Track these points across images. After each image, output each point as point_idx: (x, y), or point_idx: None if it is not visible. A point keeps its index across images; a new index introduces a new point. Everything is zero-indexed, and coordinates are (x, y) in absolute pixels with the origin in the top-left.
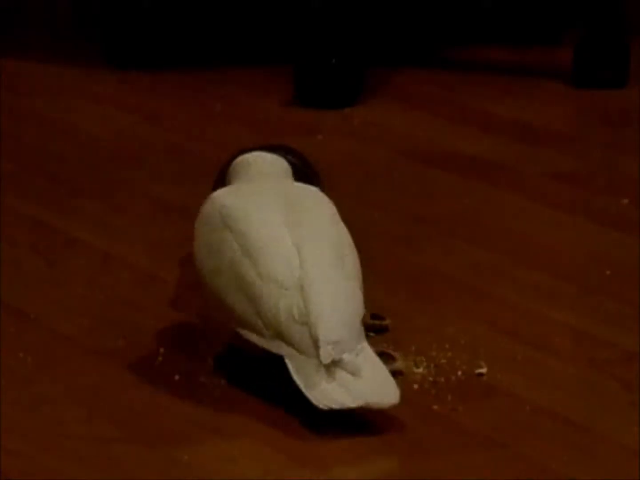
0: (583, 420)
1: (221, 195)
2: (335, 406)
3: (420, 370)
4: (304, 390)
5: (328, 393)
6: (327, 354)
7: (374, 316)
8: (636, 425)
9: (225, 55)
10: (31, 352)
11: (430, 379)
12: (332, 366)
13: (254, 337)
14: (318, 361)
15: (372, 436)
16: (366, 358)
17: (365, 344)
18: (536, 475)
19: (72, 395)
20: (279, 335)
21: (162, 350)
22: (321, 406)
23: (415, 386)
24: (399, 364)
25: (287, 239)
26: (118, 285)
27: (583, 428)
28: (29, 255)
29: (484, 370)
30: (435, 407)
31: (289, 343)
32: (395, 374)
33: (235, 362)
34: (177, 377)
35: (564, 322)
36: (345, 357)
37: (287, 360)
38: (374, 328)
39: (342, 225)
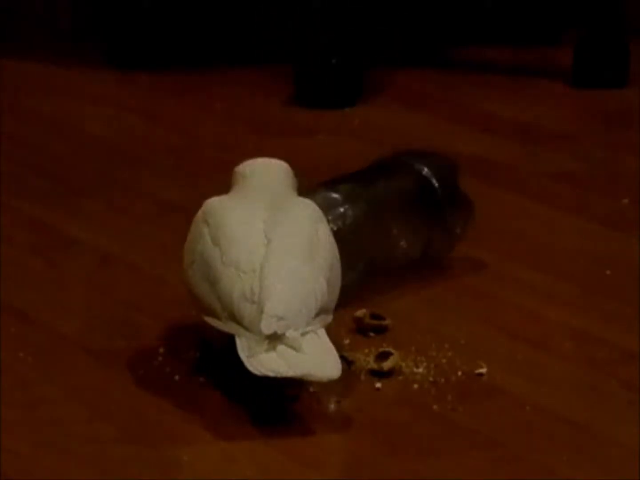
0: (583, 420)
1: (210, 199)
2: (270, 373)
3: (420, 370)
4: (244, 360)
5: (266, 361)
6: (269, 324)
7: (373, 316)
8: (636, 425)
9: (225, 55)
10: (31, 352)
11: (430, 379)
12: (276, 341)
13: (215, 322)
14: (262, 335)
15: (372, 436)
16: (314, 338)
17: (321, 331)
18: (536, 475)
19: (72, 395)
20: (232, 315)
21: (162, 350)
22: (256, 372)
23: (415, 386)
24: (396, 359)
25: (260, 232)
26: (118, 285)
27: (583, 428)
28: (29, 255)
29: (484, 370)
30: (435, 407)
31: (239, 322)
32: (393, 372)
33: (206, 357)
34: (177, 377)
35: (564, 322)
36: (289, 333)
37: (236, 339)
38: (374, 328)
39: (326, 230)
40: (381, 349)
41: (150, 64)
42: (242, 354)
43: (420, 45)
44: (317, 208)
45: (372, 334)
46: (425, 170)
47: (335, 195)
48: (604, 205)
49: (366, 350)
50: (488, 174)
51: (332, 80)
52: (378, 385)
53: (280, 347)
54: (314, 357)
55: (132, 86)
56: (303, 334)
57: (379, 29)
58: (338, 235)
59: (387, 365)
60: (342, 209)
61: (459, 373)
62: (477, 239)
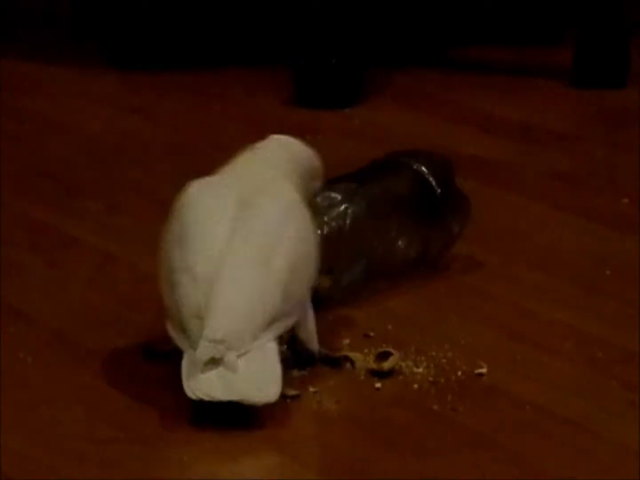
0: (583, 420)
1: (193, 184)
2: (205, 397)
3: (420, 370)
4: (183, 379)
5: (202, 384)
6: (204, 351)
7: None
8: (636, 425)
9: (225, 55)
10: (31, 352)
11: (430, 379)
12: (214, 363)
13: (170, 331)
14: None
15: (372, 436)
16: (256, 357)
17: (268, 344)
18: (536, 475)
19: (72, 395)
20: (182, 327)
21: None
22: (192, 396)
23: (415, 386)
24: (396, 359)
25: (222, 233)
26: (118, 285)
27: (583, 428)
28: (29, 255)
29: (484, 370)
30: (435, 407)
31: (187, 336)
32: (393, 372)
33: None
34: (177, 377)
35: (564, 322)
36: (227, 356)
37: (184, 353)
38: (327, 359)
39: (296, 225)
40: (381, 349)
41: (150, 64)
42: (183, 370)
43: (420, 45)
44: (291, 199)
45: (372, 334)
46: (423, 169)
47: (334, 195)
48: (604, 205)
49: (366, 350)
50: (488, 174)
51: (332, 80)
52: (378, 385)
53: (219, 369)
54: (251, 380)
55: (132, 86)
56: (244, 354)
57: (379, 29)
58: (338, 234)
59: (387, 365)
60: (341, 208)
61: (459, 373)
62: (477, 239)
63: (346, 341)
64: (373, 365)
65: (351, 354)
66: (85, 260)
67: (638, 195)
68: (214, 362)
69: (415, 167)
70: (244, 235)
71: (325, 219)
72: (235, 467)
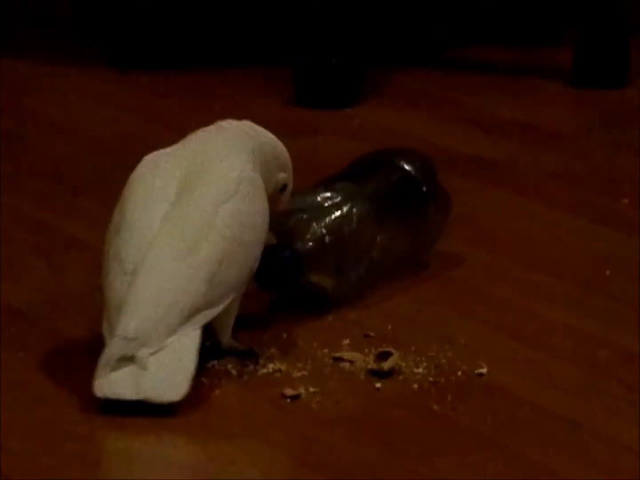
0: (583, 420)
1: (144, 159)
2: (112, 396)
3: (420, 370)
4: (95, 375)
5: (110, 383)
6: (115, 347)
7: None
8: (636, 425)
9: (225, 55)
10: (31, 352)
11: (430, 379)
12: (129, 359)
13: (103, 322)
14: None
15: (372, 436)
16: (168, 354)
17: (188, 337)
18: (536, 475)
19: (72, 395)
20: (107, 318)
21: None
22: (99, 394)
23: (415, 386)
24: (396, 359)
25: (157, 221)
26: None
27: (583, 428)
28: (29, 255)
29: (484, 370)
30: (435, 407)
31: (108, 328)
32: (393, 372)
33: None
34: None
35: (564, 322)
36: (139, 353)
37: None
38: (236, 352)
39: (232, 208)
40: (381, 349)
41: (150, 64)
42: (97, 368)
43: (420, 45)
44: (237, 176)
45: (372, 334)
46: (410, 167)
47: (335, 195)
48: (604, 205)
49: (366, 350)
50: (488, 174)
51: (332, 80)
52: (378, 385)
53: (131, 367)
54: (160, 379)
55: (132, 86)
56: (158, 351)
57: (379, 29)
58: (345, 235)
59: (387, 365)
60: (347, 208)
61: (459, 373)
62: (478, 239)
63: (346, 341)
64: (373, 365)
65: (351, 354)
66: (85, 260)
67: (638, 195)
68: (127, 359)
69: (401, 165)
70: (174, 222)
71: (327, 220)
72: (235, 467)
